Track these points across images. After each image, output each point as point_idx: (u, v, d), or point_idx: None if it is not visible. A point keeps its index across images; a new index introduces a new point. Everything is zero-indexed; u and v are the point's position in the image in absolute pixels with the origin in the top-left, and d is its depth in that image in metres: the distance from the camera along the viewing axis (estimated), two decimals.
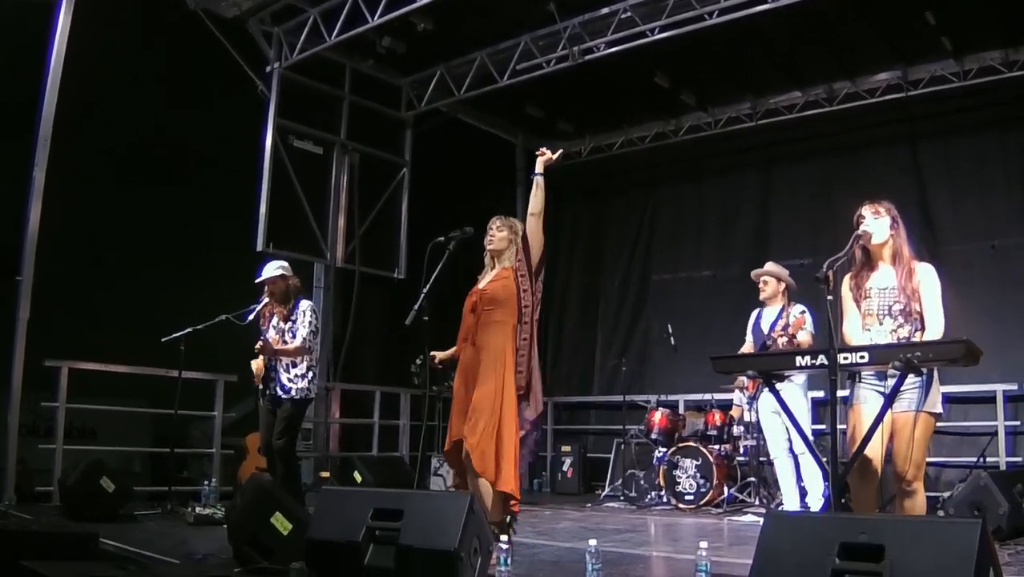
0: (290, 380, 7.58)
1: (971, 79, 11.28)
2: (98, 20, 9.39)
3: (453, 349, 6.18)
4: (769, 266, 9.18)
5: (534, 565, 5.75)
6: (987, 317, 10.32)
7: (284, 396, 7.56)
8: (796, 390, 8.44)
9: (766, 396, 8.63)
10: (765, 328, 8.90)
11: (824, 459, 5.48)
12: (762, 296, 9.01)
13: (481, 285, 6.05)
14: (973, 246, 11.29)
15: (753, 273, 9.23)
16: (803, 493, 8.73)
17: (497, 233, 6.08)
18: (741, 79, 12.72)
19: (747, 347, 9.01)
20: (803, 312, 8.67)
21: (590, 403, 14.54)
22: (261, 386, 7.69)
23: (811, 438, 8.02)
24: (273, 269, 7.78)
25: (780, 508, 8.97)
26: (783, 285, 8.99)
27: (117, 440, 10.40)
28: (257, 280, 7.81)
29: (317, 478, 10.93)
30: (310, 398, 7.78)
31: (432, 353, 6.08)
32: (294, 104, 11.65)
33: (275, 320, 7.75)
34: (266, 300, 7.78)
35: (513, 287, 5.91)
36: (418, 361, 6.02)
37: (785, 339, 8.57)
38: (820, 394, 9.27)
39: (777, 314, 8.83)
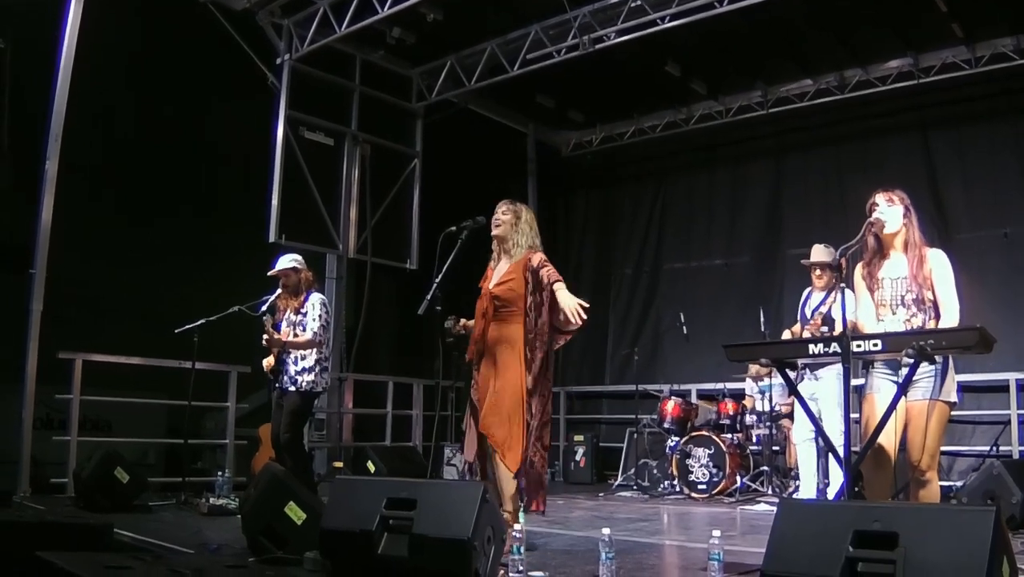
0: (297, 373, 7.59)
1: (983, 66, 11.22)
2: (108, 14, 9.42)
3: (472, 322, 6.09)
4: (820, 255, 8.88)
5: (547, 554, 5.75)
6: (1000, 305, 10.30)
7: (291, 388, 7.59)
8: (836, 382, 8.30)
9: (804, 384, 8.49)
10: (809, 312, 8.73)
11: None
12: (819, 285, 8.79)
13: (491, 285, 5.94)
14: (985, 234, 11.25)
15: (805, 261, 9.00)
16: (822, 486, 8.68)
17: (503, 217, 5.94)
18: (752, 67, 12.69)
19: (797, 327, 8.88)
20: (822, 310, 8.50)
21: (602, 392, 14.56)
22: (272, 376, 7.71)
23: (836, 429, 7.96)
24: (287, 261, 7.79)
25: (794, 496, 8.98)
26: (835, 270, 8.78)
27: (131, 432, 10.40)
28: (270, 272, 7.82)
29: (330, 468, 10.97)
30: (316, 392, 7.77)
31: (462, 321, 5.97)
32: (305, 96, 11.67)
33: (288, 313, 7.76)
34: (280, 291, 7.79)
35: (520, 289, 5.79)
36: (449, 333, 5.89)
37: (809, 328, 8.46)
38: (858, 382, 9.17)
39: (822, 299, 8.66)
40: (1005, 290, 10.78)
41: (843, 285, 4.86)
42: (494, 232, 5.97)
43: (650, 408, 11.78)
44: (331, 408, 11.69)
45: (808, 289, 8.92)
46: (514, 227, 5.93)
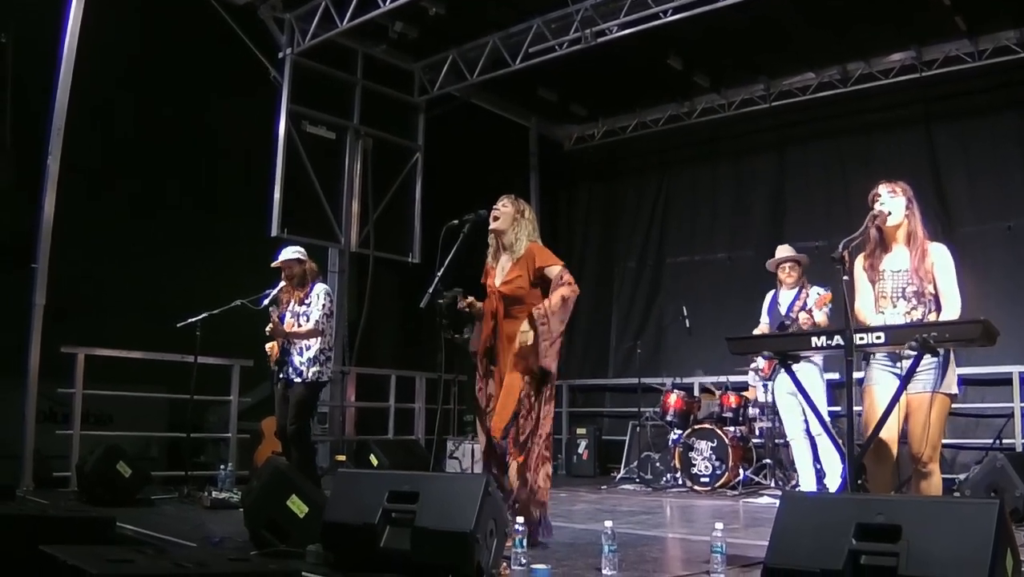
0: (302, 363, 7.60)
1: (986, 59, 11.21)
2: (109, 8, 9.41)
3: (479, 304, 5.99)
4: (787, 252, 9.07)
5: (550, 546, 5.75)
6: (1003, 298, 10.30)
7: (296, 379, 7.59)
8: (813, 370, 8.43)
9: (782, 377, 8.61)
10: (782, 309, 8.85)
11: (840, 440, 5.48)
12: (788, 284, 8.92)
13: (497, 283, 5.87)
14: (989, 227, 11.24)
15: (771, 263, 9.13)
16: (820, 475, 8.73)
17: (503, 209, 5.86)
18: (754, 61, 12.67)
19: (762, 328, 8.98)
20: (822, 292, 8.58)
21: (605, 385, 14.55)
22: (276, 368, 7.71)
23: (828, 419, 8.01)
24: (290, 253, 7.81)
25: (797, 489, 8.99)
26: (802, 267, 8.97)
27: (133, 426, 10.41)
28: (273, 264, 7.83)
29: (333, 461, 10.97)
30: (322, 381, 7.80)
31: (470, 298, 5.86)
32: (307, 90, 11.67)
33: (292, 304, 7.77)
34: (282, 284, 7.80)
35: (527, 285, 5.74)
36: (446, 301, 5.78)
37: (805, 315, 8.52)
38: (835, 376, 9.22)
39: (795, 295, 8.79)
40: (1009, 283, 10.78)
41: (846, 277, 4.84)
42: (492, 225, 5.88)
43: (653, 401, 11.77)
44: (334, 401, 11.70)
45: (773, 291, 9.03)
46: (515, 222, 5.86)
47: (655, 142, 14.62)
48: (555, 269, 5.73)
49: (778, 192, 13.31)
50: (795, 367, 8.20)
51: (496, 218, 5.87)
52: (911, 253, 4.98)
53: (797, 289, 8.83)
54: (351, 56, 12.36)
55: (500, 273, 5.90)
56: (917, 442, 4.79)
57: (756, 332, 9.01)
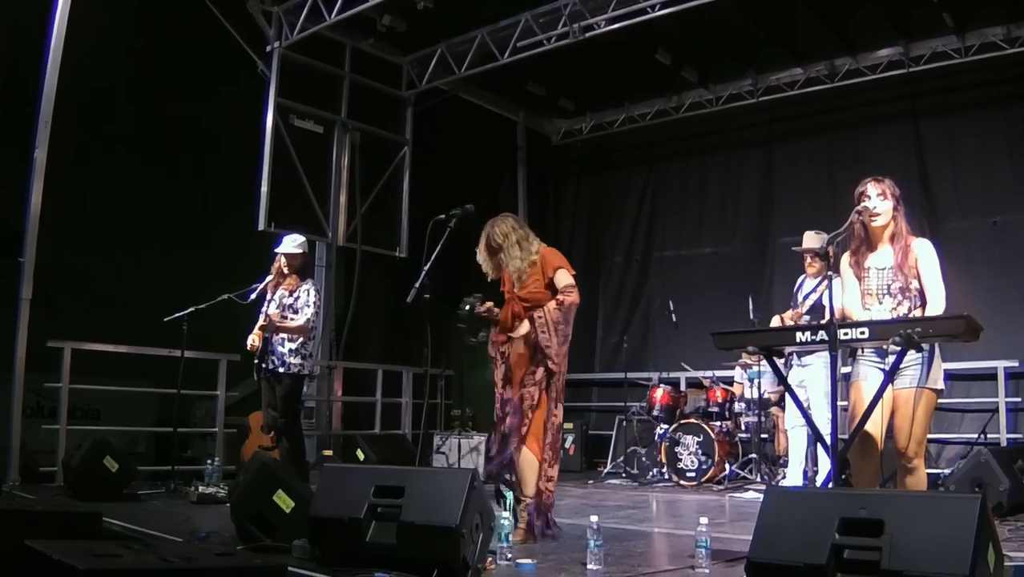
0: (285, 355, 7.57)
1: (973, 55, 11.23)
2: (97, 1, 9.37)
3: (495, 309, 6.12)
4: (809, 241, 8.89)
5: (536, 541, 5.76)
6: (989, 294, 10.32)
7: (281, 371, 7.55)
8: (822, 370, 8.35)
9: (795, 369, 8.56)
10: (801, 298, 8.79)
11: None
12: (810, 272, 8.83)
13: (516, 289, 5.99)
14: (975, 223, 11.28)
15: (796, 248, 9.03)
16: (807, 475, 8.72)
17: (486, 260, 6.14)
18: (742, 55, 12.68)
19: (789, 313, 8.93)
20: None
21: (592, 380, 14.57)
22: (258, 360, 7.64)
23: (824, 417, 7.98)
24: (294, 246, 7.75)
25: (782, 482, 9.02)
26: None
27: (120, 420, 10.38)
28: (276, 249, 7.78)
29: (320, 456, 10.97)
30: (304, 374, 7.77)
31: (488, 304, 6.03)
32: (294, 83, 11.65)
33: (279, 292, 7.73)
34: (270, 277, 7.76)
35: (543, 289, 5.94)
36: (466, 307, 5.94)
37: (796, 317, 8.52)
38: (845, 370, 9.21)
39: (813, 287, 8.71)
40: (994, 279, 10.80)
41: (830, 273, 4.87)
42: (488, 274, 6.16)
43: (639, 396, 11.78)
44: (320, 396, 11.71)
45: (802, 276, 8.98)
46: (505, 252, 6.04)
47: (643, 136, 14.65)
48: (564, 278, 5.92)
49: (765, 187, 13.33)
50: (806, 360, 8.29)
51: (486, 271, 6.15)
52: (895, 251, 4.99)
53: (819, 279, 8.73)
54: (339, 50, 12.34)
55: (517, 280, 6.03)
56: (903, 437, 4.80)
57: (777, 318, 9.01)
